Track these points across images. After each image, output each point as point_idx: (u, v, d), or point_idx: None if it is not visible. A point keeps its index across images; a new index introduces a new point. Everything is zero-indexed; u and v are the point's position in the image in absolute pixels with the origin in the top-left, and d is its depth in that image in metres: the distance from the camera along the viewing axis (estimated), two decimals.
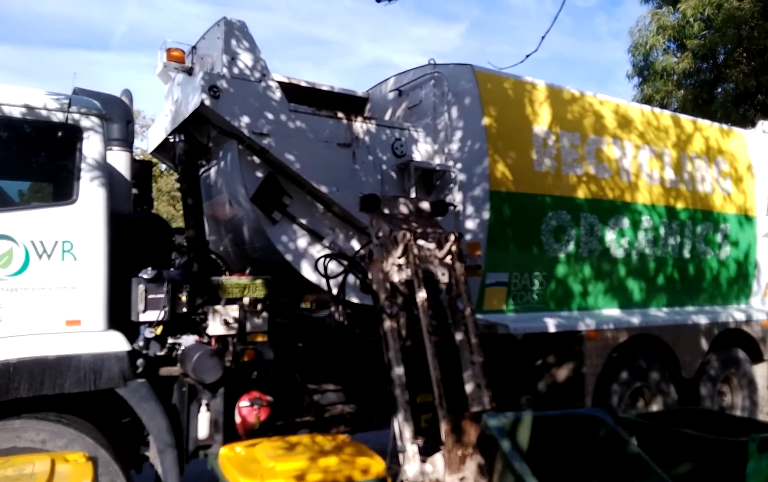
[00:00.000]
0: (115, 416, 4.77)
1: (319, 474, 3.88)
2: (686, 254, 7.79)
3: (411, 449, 4.44)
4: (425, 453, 4.52)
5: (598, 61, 64.02)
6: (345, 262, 5.43)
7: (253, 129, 5.63)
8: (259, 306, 5.14)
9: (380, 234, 5.01)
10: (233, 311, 5.07)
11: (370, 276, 4.99)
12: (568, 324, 6.63)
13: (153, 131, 7.09)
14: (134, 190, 6.40)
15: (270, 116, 5.73)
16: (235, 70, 5.63)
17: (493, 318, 6.30)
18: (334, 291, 5.49)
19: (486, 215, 6.32)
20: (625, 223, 7.25)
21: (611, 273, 7.19)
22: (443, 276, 4.98)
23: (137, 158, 6.57)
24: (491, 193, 6.33)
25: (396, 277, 4.82)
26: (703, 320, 7.62)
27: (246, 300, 5.09)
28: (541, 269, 6.68)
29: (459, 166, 6.44)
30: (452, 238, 4.98)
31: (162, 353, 4.98)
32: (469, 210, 6.39)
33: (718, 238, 8.15)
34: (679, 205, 7.67)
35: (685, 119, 8.40)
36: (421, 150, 6.51)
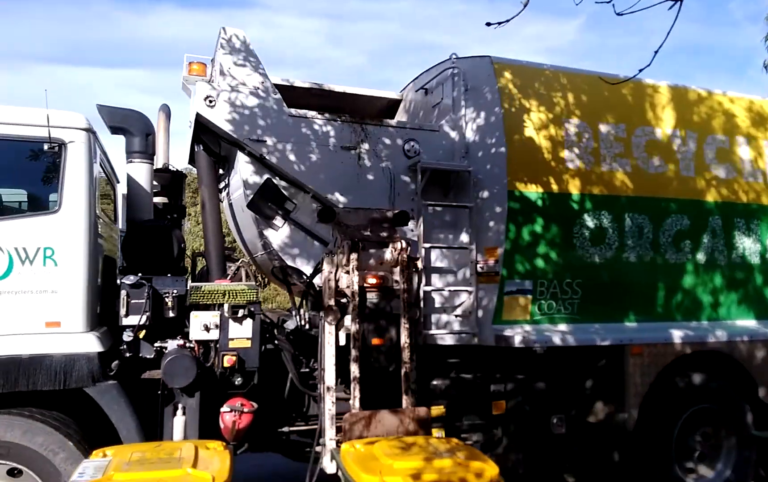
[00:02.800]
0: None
1: (434, 475, 3.88)
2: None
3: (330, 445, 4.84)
4: None
5: (734, 49, 57.45)
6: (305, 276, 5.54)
7: (250, 136, 5.65)
8: (240, 313, 5.11)
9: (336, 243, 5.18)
10: (214, 317, 5.09)
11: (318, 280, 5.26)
12: (606, 338, 5.91)
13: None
14: (164, 200, 6.72)
15: (268, 122, 5.72)
16: (232, 79, 5.68)
17: (512, 329, 5.76)
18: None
19: (504, 217, 5.80)
20: (686, 223, 6.34)
21: (665, 281, 6.29)
22: (397, 285, 5.07)
23: (170, 169, 6.83)
24: (510, 193, 5.81)
25: (344, 284, 4.90)
26: None
27: (226, 307, 5.09)
28: (573, 276, 6.00)
29: (477, 164, 6.00)
30: (399, 246, 5.12)
31: (151, 356, 5.12)
32: (487, 211, 5.93)
33: None
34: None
35: None
36: (438, 149, 6.15)
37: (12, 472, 4.47)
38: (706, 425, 6.24)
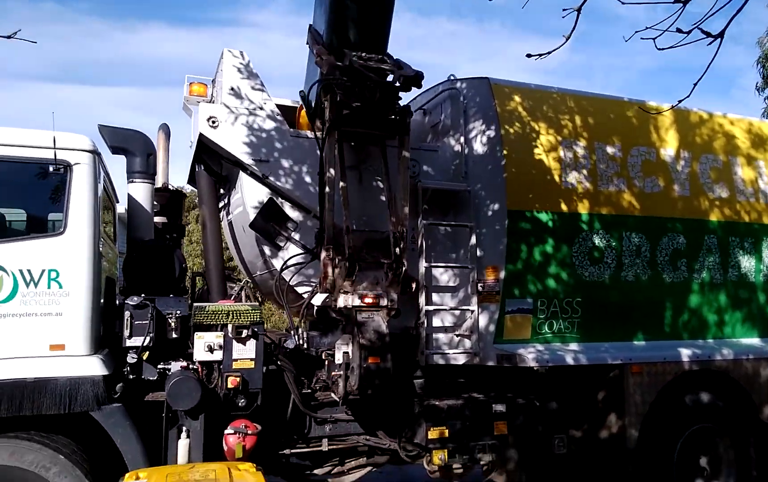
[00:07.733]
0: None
1: None
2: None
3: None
4: None
5: (718, 69, 58.48)
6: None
7: (253, 156, 5.68)
8: (244, 333, 5.11)
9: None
10: (218, 338, 5.08)
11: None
12: (605, 357, 5.95)
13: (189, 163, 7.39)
14: (163, 219, 6.71)
15: (270, 143, 5.75)
16: (235, 100, 5.72)
17: (513, 348, 5.79)
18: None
19: (504, 236, 5.86)
20: (682, 241, 6.42)
21: (664, 299, 6.36)
22: (391, 303, 5.33)
23: (170, 188, 6.84)
24: (510, 213, 5.87)
25: (341, 303, 5.08)
26: None
27: (230, 327, 5.09)
28: (573, 295, 6.05)
29: (477, 184, 6.06)
30: (393, 267, 5.30)
31: (154, 378, 5.10)
32: (487, 230, 5.98)
33: None
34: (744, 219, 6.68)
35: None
36: (437, 169, 6.21)
37: None
38: (707, 444, 6.26)
